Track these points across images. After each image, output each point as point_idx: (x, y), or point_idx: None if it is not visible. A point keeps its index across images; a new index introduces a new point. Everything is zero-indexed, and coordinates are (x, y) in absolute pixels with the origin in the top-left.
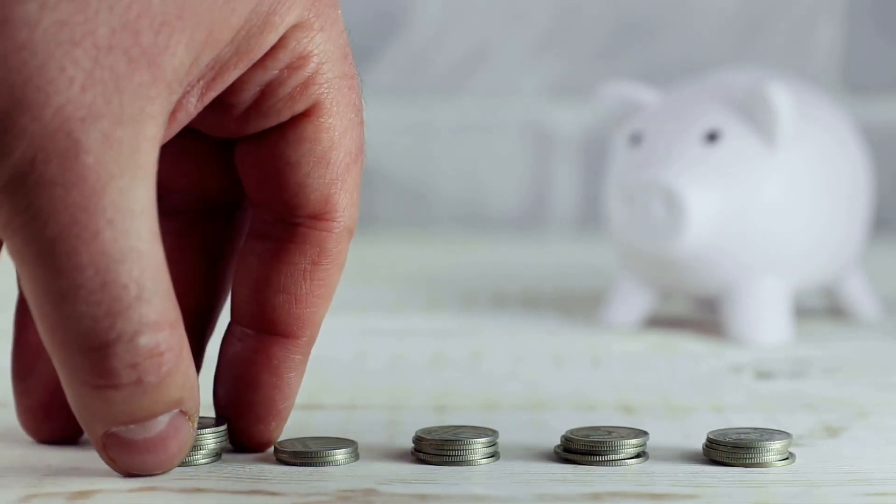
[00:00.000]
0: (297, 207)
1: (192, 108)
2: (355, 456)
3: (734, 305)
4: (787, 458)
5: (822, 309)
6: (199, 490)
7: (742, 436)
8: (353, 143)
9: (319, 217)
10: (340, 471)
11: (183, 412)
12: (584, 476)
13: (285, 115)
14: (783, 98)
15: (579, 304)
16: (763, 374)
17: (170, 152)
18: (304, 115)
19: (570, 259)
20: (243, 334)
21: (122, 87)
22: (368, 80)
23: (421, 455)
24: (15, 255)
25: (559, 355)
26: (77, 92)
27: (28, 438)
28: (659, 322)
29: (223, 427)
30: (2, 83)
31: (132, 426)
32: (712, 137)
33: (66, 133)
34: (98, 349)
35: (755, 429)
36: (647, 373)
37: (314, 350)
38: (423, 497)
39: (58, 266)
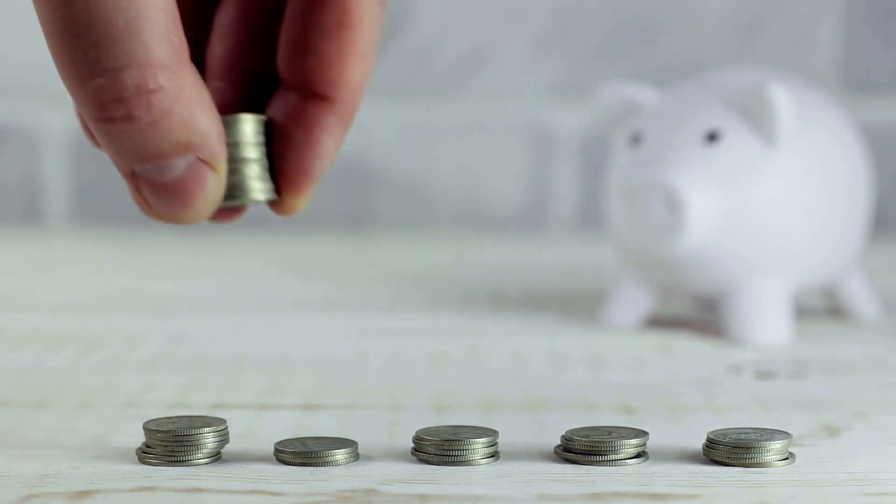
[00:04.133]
0: None
1: None
2: (355, 456)
3: (734, 305)
4: (787, 458)
5: (822, 309)
6: (199, 490)
7: (742, 436)
8: None
9: None
10: (340, 471)
11: (203, 161)
12: (584, 476)
13: None
14: (783, 98)
15: (579, 304)
16: (763, 374)
17: None
18: None
19: (570, 259)
20: (286, 93)
21: None
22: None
23: (421, 455)
24: None
25: (559, 355)
26: None
27: (28, 438)
28: (659, 322)
29: (224, 427)
30: None
31: (147, 166)
32: (712, 137)
33: None
34: (87, 81)
35: (755, 429)
36: (647, 373)
37: (314, 350)
38: (423, 497)
39: (52, 1)
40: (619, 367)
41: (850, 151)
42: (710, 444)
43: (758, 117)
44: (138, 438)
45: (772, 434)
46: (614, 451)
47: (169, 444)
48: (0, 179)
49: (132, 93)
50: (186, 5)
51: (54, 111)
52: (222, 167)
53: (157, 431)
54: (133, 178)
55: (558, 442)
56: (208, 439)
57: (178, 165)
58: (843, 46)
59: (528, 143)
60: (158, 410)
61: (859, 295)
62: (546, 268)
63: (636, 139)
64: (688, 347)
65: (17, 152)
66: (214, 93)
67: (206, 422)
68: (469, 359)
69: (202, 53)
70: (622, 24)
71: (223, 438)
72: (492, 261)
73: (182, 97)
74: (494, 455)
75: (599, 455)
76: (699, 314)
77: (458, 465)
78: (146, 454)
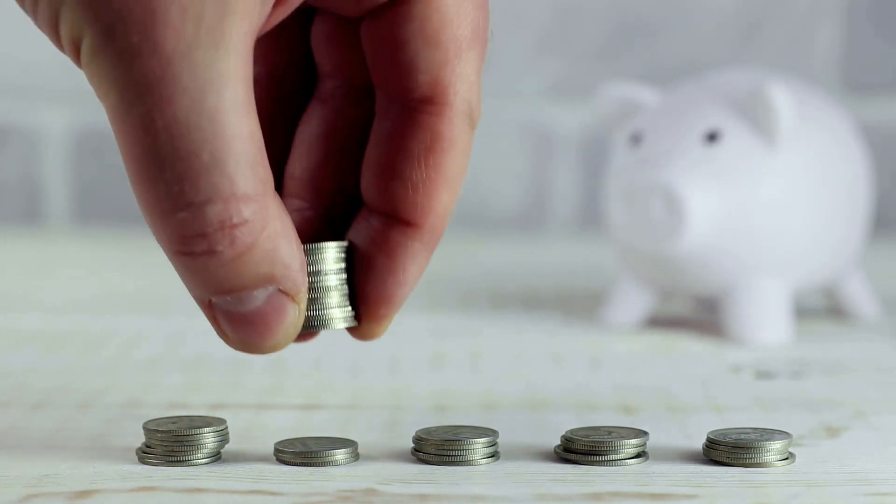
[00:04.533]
0: (408, 89)
1: None
2: (355, 456)
3: (734, 305)
4: (787, 458)
5: (822, 309)
6: (199, 490)
7: (742, 436)
8: (469, 25)
9: (431, 101)
10: (340, 471)
11: (283, 291)
12: (584, 476)
13: None
14: (783, 98)
15: (579, 304)
16: (763, 374)
17: (320, 37)
18: None
19: (570, 259)
20: (369, 216)
21: None
22: None
23: (421, 455)
24: (109, 120)
25: (559, 355)
26: None
27: (28, 438)
28: (659, 322)
29: (224, 427)
30: None
31: (228, 298)
32: (712, 137)
33: (143, 5)
34: (170, 215)
35: (755, 429)
36: (647, 373)
37: (314, 350)
38: (423, 497)
39: (135, 131)
40: (619, 367)
41: (850, 151)
42: (710, 444)
43: (758, 117)
44: (138, 438)
45: (772, 434)
46: (614, 451)
47: (169, 444)
48: (0, 179)
49: (215, 228)
50: (266, 123)
51: (54, 111)
52: (303, 297)
53: (157, 431)
54: (210, 307)
55: (558, 442)
56: (208, 439)
57: (259, 297)
58: (843, 46)
59: (528, 143)
60: (158, 410)
61: (859, 295)
62: (546, 268)
63: (636, 139)
64: (688, 347)
65: (17, 152)
66: (293, 212)
67: (206, 422)
68: (469, 359)
69: (281, 171)
70: (622, 24)
71: (223, 438)
72: (492, 261)
73: (266, 229)
74: (494, 455)
75: (599, 455)
76: (699, 314)
77: (458, 465)
78: (146, 454)
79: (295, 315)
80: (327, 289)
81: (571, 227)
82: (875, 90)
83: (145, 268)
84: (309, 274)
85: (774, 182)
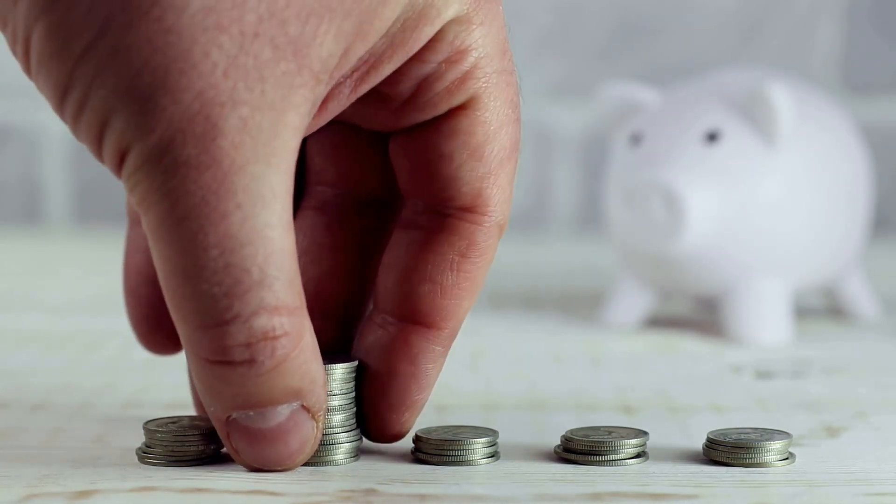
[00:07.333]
0: (449, 199)
1: (345, 99)
2: (355, 456)
3: (734, 305)
4: (787, 458)
5: (822, 309)
6: (199, 490)
7: (742, 436)
8: (509, 138)
9: (470, 210)
10: (340, 471)
11: (305, 408)
12: (584, 476)
13: (442, 109)
14: (783, 98)
15: (579, 304)
16: (763, 374)
17: (326, 146)
18: (460, 109)
19: (570, 259)
20: (384, 321)
21: (266, 75)
22: None
23: (421, 455)
24: (148, 230)
25: (559, 355)
26: (219, 77)
27: (28, 438)
28: (659, 322)
29: None
30: (146, 65)
31: (251, 413)
32: (712, 137)
33: (204, 117)
34: (215, 327)
35: (755, 429)
36: (647, 373)
37: None
38: (423, 497)
39: (185, 245)
40: (619, 367)
41: (850, 151)
42: (710, 444)
43: (758, 117)
44: (138, 438)
45: (772, 434)
46: (614, 451)
47: (169, 444)
48: (0, 179)
49: (259, 338)
50: None
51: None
52: (322, 416)
53: (157, 431)
54: (227, 424)
55: (558, 442)
56: (209, 439)
57: (283, 413)
58: (843, 46)
59: (528, 143)
60: (158, 410)
61: (859, 295)
62: (546, 268)
63: (636, 139)
64: (688, 347)
65: (17, 152)
66: None
67: (207, 422)
68: (469, 359)
69: None
70: (623, 24)
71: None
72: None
73: (303, 344)
74: (494, 455)
75: (599, 455)
76: (699, 314)
77: (458, 465)
78: (146, 454)
79: (313, 433)
80: (332, 409)
81: (571, 227)
82: (875, 90)
83: None
84: None
85: (774, 182)
